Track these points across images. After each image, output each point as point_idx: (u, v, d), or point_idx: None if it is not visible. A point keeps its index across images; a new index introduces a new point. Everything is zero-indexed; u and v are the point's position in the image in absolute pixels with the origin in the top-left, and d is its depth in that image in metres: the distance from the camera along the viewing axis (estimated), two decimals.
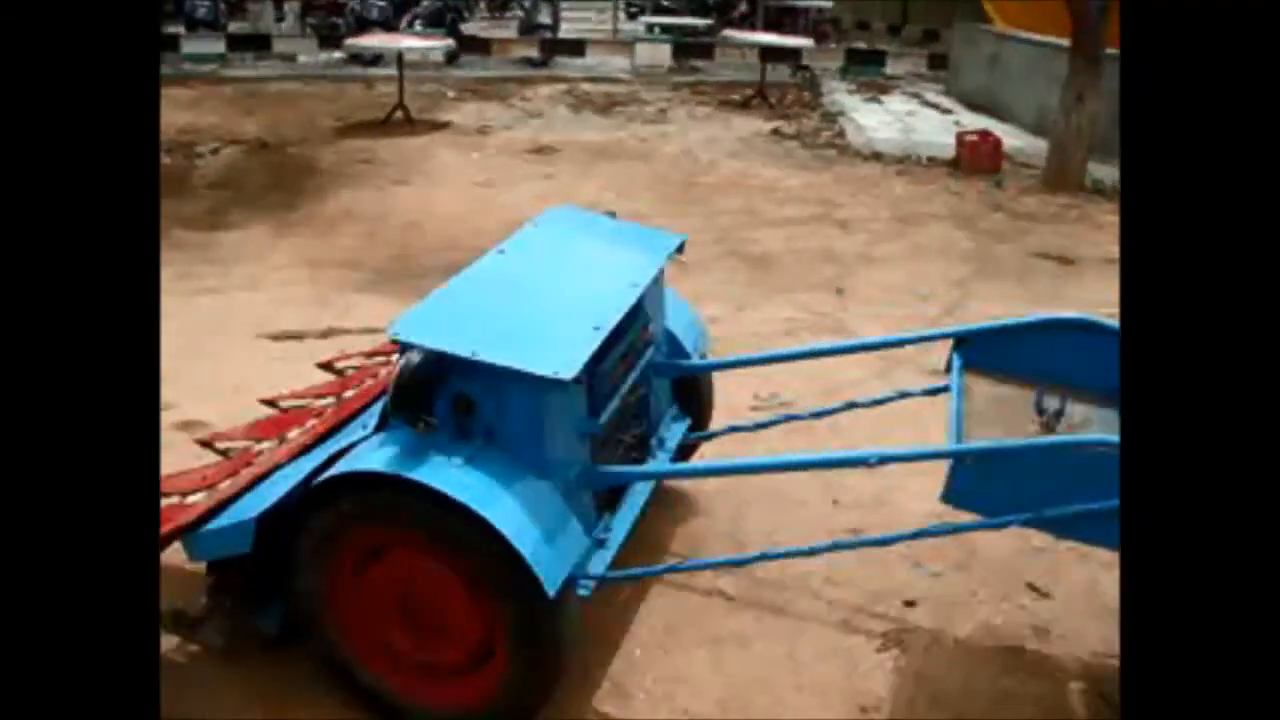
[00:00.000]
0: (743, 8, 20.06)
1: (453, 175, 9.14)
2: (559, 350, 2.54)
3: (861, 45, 18.32)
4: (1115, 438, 2.28)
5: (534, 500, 2.51)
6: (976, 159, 9.78)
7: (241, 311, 5.79)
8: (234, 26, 17.50)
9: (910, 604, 3.25)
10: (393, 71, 12.42)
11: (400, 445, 2.55)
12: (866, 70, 15.74)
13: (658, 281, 3.24)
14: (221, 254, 6.94)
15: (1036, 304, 5.93)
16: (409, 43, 12.76)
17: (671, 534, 3.62)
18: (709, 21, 17.56)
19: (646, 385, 3.29)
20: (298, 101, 12.99)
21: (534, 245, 3.31)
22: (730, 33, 15.53)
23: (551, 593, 2.40)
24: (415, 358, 2.57)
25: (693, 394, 3.66)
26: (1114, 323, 2.63)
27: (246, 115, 12.05)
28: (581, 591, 2.68)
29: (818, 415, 3.51)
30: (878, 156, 10.27)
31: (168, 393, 4.04)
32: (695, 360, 3.53)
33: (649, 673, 2.96)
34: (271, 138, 10.67)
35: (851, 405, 3.39)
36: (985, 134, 10.08)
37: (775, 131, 11.39)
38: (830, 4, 19.82)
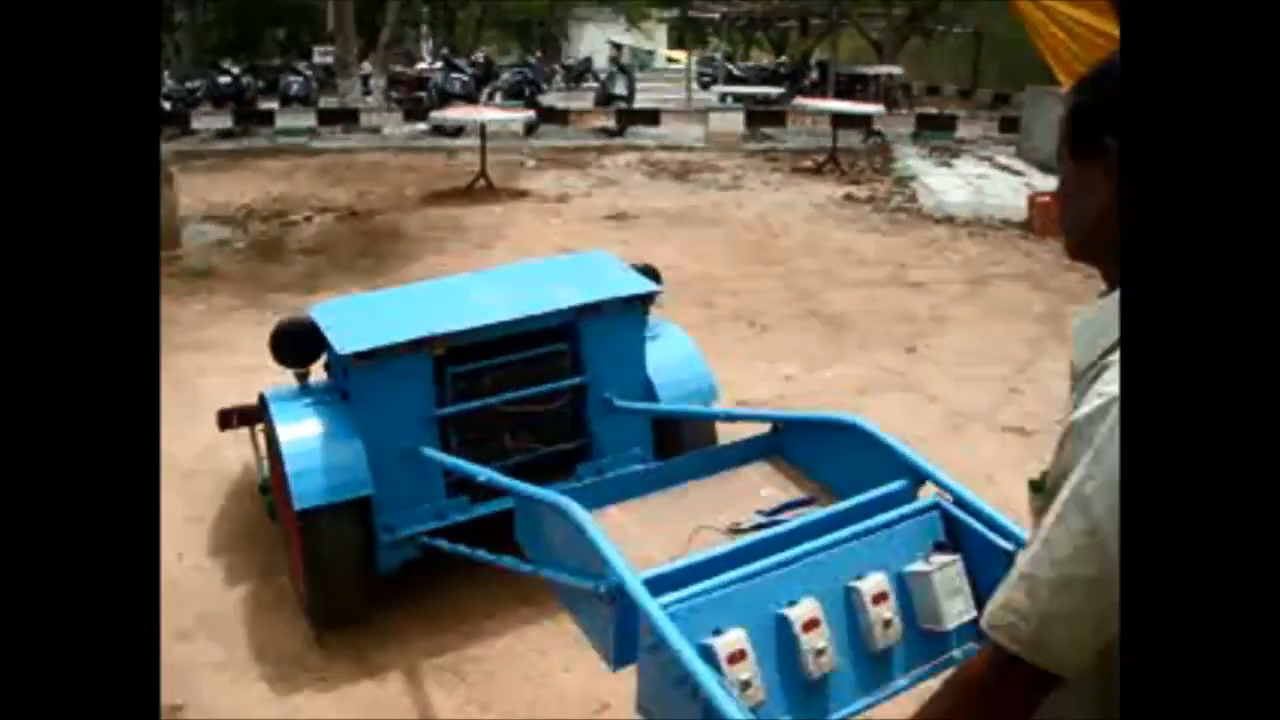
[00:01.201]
0: (813, 76, 20.45)
1: (533, 240, 9.46)
2: (364, 339, 3.24)
3: (932, 110, 18.52)
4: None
5: (331, 443, 3.22)
6: (1048, 220, 9.83)
7: None
8: (324, 102, 18.30)
9: None
10: (474, 142, 12.91)
11: (293, 391, 3.51)
12: (937, 135, 15.90)
13: (618, 326, 3.60)
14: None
15: None
16: (490, 114, 13.25)
17: None
18: (781, 90, 17.91)
19: (574, 411, 3.64)
20: (384, 172, 13.53)
21: (506, 272, 4.27)
22: (802, 100, 15.85)
23: (298, 506, 3.09)
24: (304, 324, 3.48)
25: (668, 438, 3.77)
26: (884, 436, 2.39)
27: (336, 185, 12.59)
28: (385, 537, 3.26)
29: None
30: (949, 219, 10.39)
31: None
32: (635, 404, 3.65)
33: None
34: (360, 206, 11.15)
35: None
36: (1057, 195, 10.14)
37: (847, 196, 11.58)
38: (900, 70, 20.08)
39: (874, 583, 1.95)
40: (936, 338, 6.69)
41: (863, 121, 15.27)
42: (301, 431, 3.26)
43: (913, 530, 2.09)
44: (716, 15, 24.35)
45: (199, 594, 3.68)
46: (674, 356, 3.79)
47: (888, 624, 1.93)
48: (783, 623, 1.84)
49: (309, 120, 16.44)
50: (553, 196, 11.59)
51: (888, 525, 2.07)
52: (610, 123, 16.60)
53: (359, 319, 3.50)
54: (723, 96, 18.45)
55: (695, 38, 31.17)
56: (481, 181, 11.87)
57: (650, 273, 3.94)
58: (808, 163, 13.82)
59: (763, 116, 16.69)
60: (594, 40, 36.76)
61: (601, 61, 26.12)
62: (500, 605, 3.57)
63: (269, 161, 14.61)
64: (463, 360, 3.40)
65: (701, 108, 17.77)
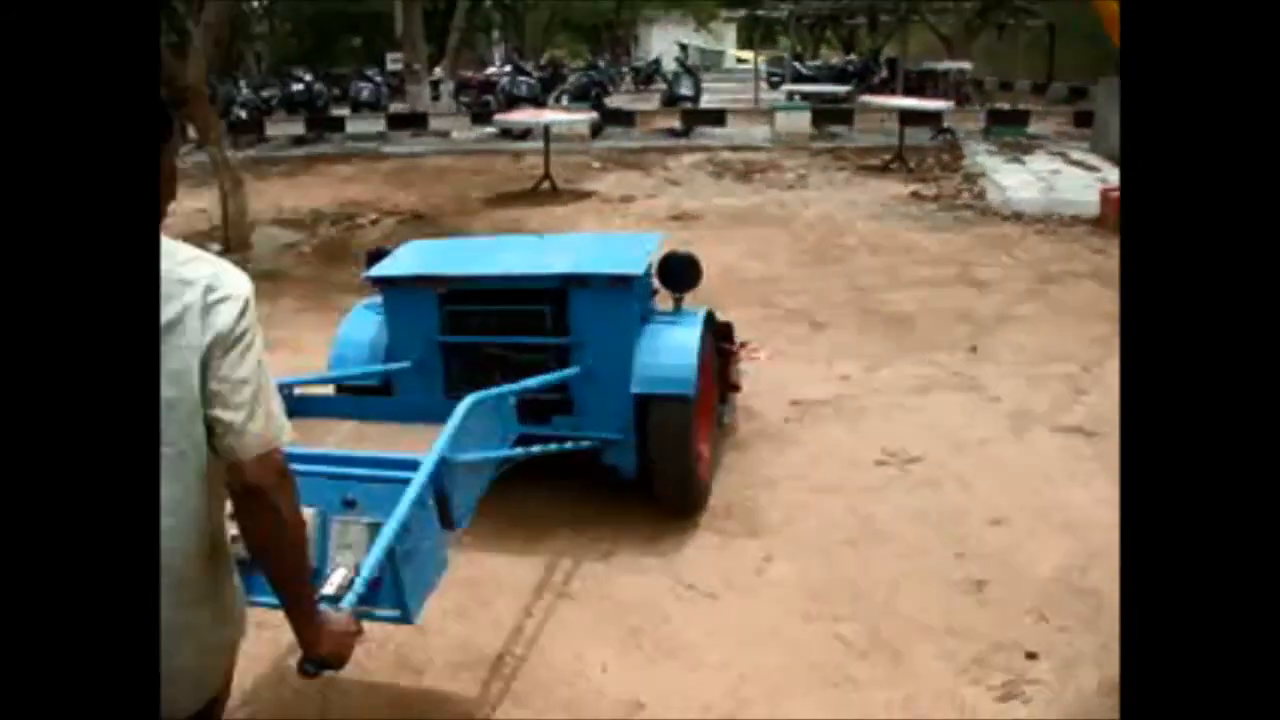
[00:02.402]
0: (883, 73, 20.19)
1: None
2: (388, 269, 4.18)
3: (1005, 106, 18.18)
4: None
5: (363, 336, 4.23)
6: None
7: None
8: (394, 107, 18.57)
9: (1032, 656, 3.25)
10: (540, 145, 12.99)
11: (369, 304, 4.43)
12: (1009, 130, 15.59)
13: (606, 300, 3.92)
14: None
15: None
16: (553, 116, 13.33)
17: (793, 578, 3.70)
18: (848, 88, 17.71)
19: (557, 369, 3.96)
20: (451, 175, 13.68)
21: (550, 240, 5.21)
22: (869, 98, 15.67)
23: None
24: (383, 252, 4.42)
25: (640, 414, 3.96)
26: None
27: (403, 188, 12.76)
28: None
29: None
30: (1018, 216, 10.18)
31: None
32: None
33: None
34: (426, 208, 11.28)
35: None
36: None
37: (914, 194, 11.42)
38: (969, 65, 19.70)
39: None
40: (1000, 336, 6.55)
41: (932, 118, 15.03)
42: (350, 326, 4.34)
43: (384, 491, 2.47)
44: (784, 13, 24.16)
45: None
46: (668, 344, 3.98)
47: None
48: None
49: (379, 125, 16.69)
50: (616, 197, 11.62)
51: (366, 479, 2.51)
52: (676, 124, 16.58)
53: (411, 256, 4.45)
54: (790, 95, 18.29)
55: (765, 37, 31.04)
56: (546, 183, 11.93)
57: (688, 263, 4.30)
58: (874, 161, 13.66)
59: (830, 115, 16.50)
60: (663, 42, 36.79)
61: (670, 63, 26.09)
62: (538, 602, 3.57)
63: (339, 166, 14.86)
64: (459, 301, 4.06)
65: (767, 107, 17.66)
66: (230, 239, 9.41)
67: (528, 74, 17.83)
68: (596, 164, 14.05)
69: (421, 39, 18.12)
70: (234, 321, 1.57)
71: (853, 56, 24.58)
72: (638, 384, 3.89)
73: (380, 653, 3.26)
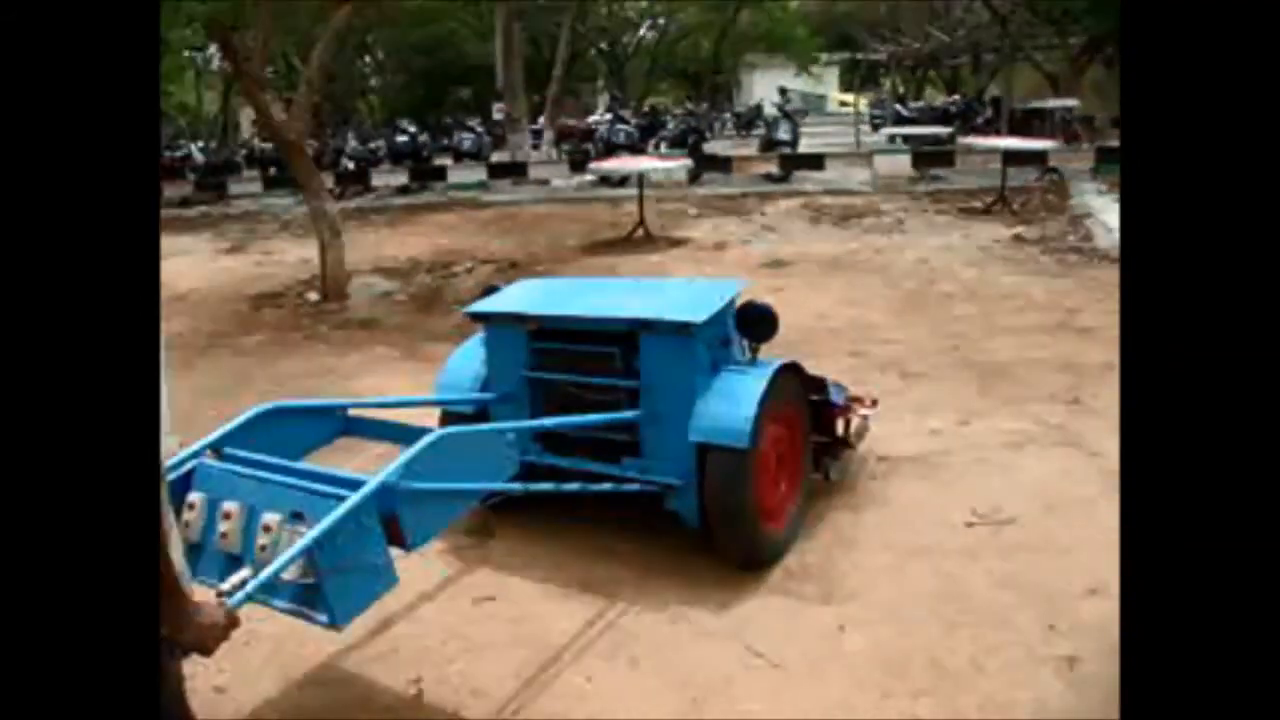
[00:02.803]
0: (987, 113, 19.79)
1: None
2: (484, 306, 4.49)
3: (1115, 143, 17.61)
4: None
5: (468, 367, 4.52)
6: None
7: None
8: (495, 156, 18.90)
9: None
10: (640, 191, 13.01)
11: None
12: (1117, 168, 15.08)
13: (670, 346, 3.99)
14: None
15: None
16: (647, 164, 13.36)
17: (868, 649, 3.51)
18: (950, 130, 17.39)
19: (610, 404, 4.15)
20: (548, 223, 13.80)
21: (634, 284, 5.45)
22: (970, 139, 15.32)
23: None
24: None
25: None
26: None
27: (501, 236, 12.92)
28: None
29: None
30: None
31: None
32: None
33: None
34: (522, 256, 11.37)
35: None
36: None
37: (1016, 237, 11.08)
38: (1076, 102, 19.11)
39: (268, 516, 2.74)
40: (1104, 388, 6.22)
41: (1037, 158, 14.64)
42: (459, 356, 4.62)
43: (327, 506, 2.68)
44: (884, 55, 23.92)
45: None
46: (731, 394, 3.95)
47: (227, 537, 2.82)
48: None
49: (479, 174, 16.98)
50: (710, 244, 11.54)
51: (313, 493, 2.78)
52: (774, 169, 16.47)
53: (517, 293, 4.74)
54: (891, 138, 18.06)
55: (867, 79, 30.79)
56: (640, 231, 11.93)
57: (763, 313, 4.26)
58: (976, 203, 13.33)
59: (931, 157, 16.20)
60: (764, 87, 36.79)
61: (770, 108, 26.08)
62: (598, 665, 3.46)
63: (439, 216, 15.15)
64: (545, 339, 4.26)
65: (867, 151, 17.44)
66: (328, 288, 9.61)
67: (626, 121, 17.96)
68: (693, 211, 14.02)
69: (522, 89, 18.44)
70: None
71: (956, 97, 24.18)
72: (695, 432, 3.89)
73: (433, 709, 3.18)
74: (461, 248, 12.16)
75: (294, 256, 12.22)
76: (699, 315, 3.98)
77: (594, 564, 4.11)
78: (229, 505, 2.83)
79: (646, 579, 4.00)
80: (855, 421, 4.96)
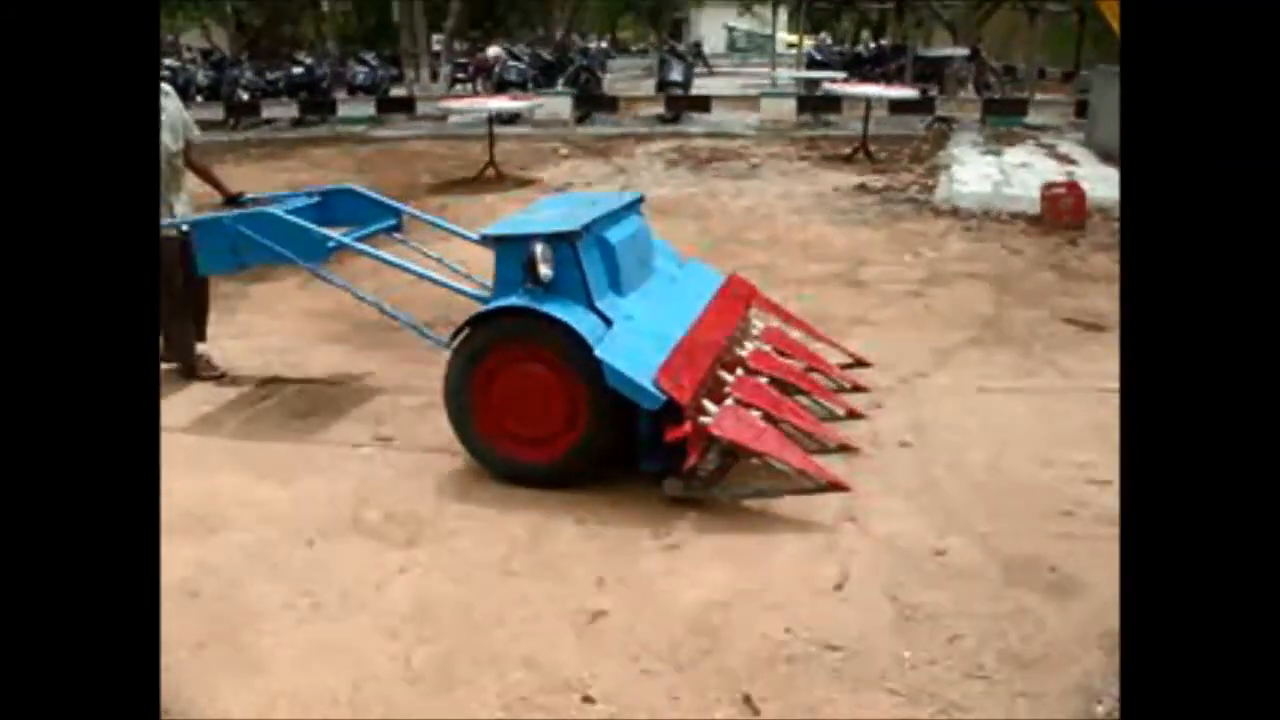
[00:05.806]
0: (902, 61, 19.57)
1: None
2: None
3: (1022, 95, 17.48)
4: None
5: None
6: (1057, 213, 9.10)
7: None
8: (396, 90, 18.59)
9: None
10: (529, 130, 12.82)
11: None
12: (1006, 120, 14.99)
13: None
14: (249, 304, 7.37)
15: (1013, 375, 5.48)
16: (494, 104, 13.18)
17: None
18: (843, 75, 17.18)
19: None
20: (416, 160, 13.60)
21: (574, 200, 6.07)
22: (829, 86, 15.01)
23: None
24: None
25: None
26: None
27: (360, 172, 12.68)
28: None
29: None
30: (954, 211, 9.72)
31: None
32: None
33: None
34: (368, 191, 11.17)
35: None
36: (1072, 185, 9.35)
37: (860, 186, 10.99)
38: (966, 51, 18.76)
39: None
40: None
41: (922, 107, 14.49)
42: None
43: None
44: None
45: None
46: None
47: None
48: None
49: (369, 109, 16.71)
50: (555, 185, 11.40)
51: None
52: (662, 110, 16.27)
53: (536, 209, 5.49)
54: (794, 81, 17.82)
55: (822, 23, 30.33)
56: (490, 170, 11.78)
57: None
58: (847, 150, 13.20)
59: (825, 102, 16.01)
60: (711, 25, 36.29)
61: (719, 45, 25.70)
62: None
63: (318, 150, 14.90)
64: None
65: (756, 94, 17.23)
66: None
67: (518, 59, 17.64)
68: (564, 150, 13.86)
69: (422, 24, 18.08)
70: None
71: (879, 43, 23.89)
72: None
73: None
74: (312, 181, 11.94)
75: None
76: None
77: None
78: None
79: None
80: None
